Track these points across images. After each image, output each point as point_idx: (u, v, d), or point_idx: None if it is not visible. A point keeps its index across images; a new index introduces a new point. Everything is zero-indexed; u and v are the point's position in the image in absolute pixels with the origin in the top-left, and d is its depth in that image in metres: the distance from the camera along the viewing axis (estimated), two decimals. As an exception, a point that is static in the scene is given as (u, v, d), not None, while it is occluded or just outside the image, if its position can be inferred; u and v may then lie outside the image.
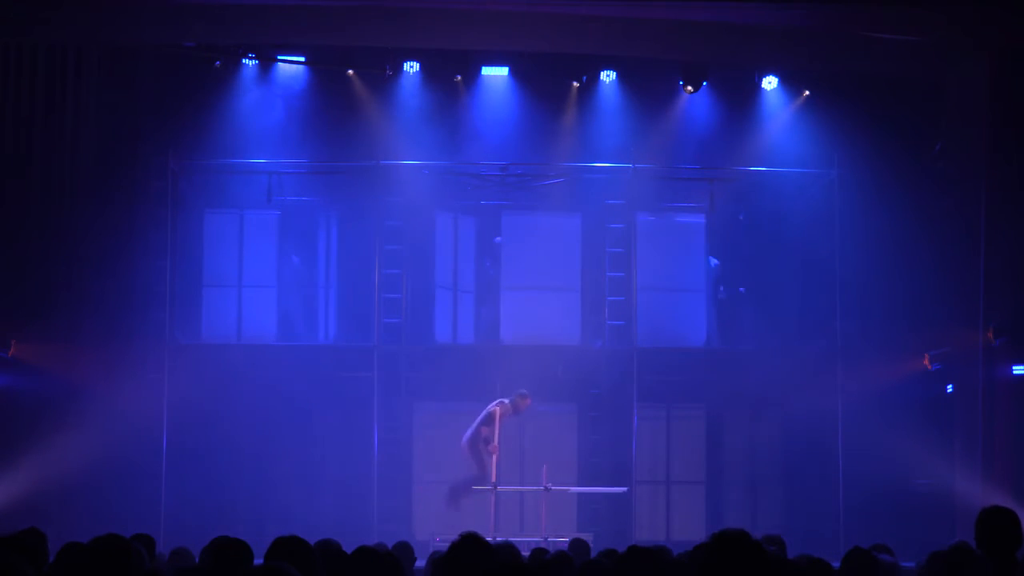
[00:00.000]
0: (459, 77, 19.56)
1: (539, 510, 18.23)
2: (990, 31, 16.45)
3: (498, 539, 10.10)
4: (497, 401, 18.23)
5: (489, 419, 18.07)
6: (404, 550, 9.26)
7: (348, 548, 6.72)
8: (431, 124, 19.53)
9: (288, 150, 19.45)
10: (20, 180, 17.89)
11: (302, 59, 19.53)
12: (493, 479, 17.87)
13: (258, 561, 5.41)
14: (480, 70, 19.64)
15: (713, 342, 20.30)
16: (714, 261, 20.33)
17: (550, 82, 19.73)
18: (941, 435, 18.05)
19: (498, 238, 20.22)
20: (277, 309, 19.96)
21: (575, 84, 19.82)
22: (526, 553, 9.17)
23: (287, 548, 5.84)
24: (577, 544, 9.84)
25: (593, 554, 9.55)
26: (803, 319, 20.01)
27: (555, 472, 18.40)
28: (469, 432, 18.17)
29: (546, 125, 19.74)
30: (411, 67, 19.45)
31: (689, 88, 19.29)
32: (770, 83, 19.80)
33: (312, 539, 6.41)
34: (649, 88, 19.75)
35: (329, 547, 7.04)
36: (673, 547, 8.68)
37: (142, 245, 18.99)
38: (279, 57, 19.47)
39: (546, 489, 17.86)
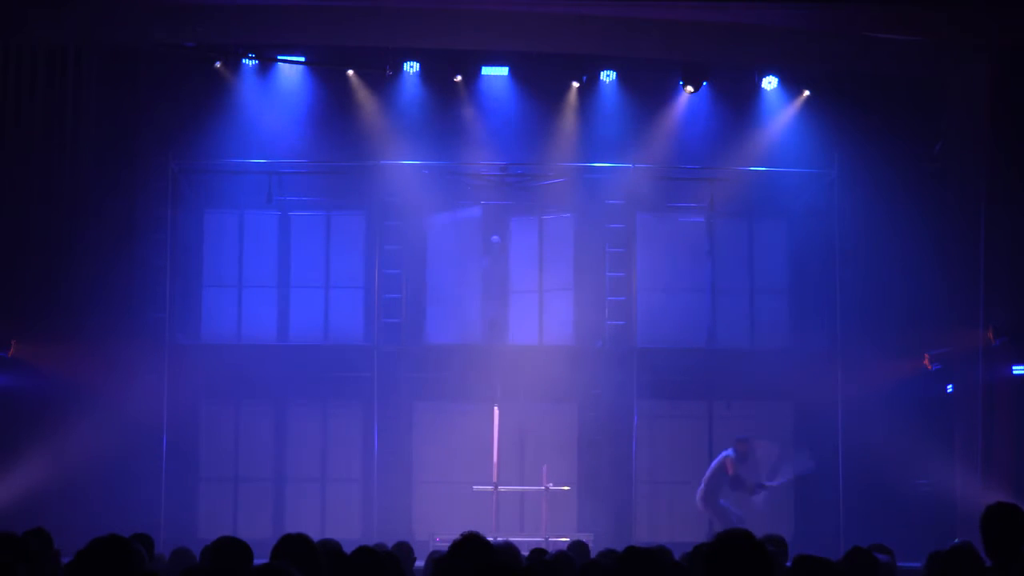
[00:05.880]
0: (459, 77, 19.55)
1: (539, 510, 18.24)
2: (990, 31, 16.46)
3: (498, 539, 10.10)
4: (723, 454, 18.18)
5: (717, 472, 18.00)
6: (404, 550, 9.26)
7: (348, 548, 6.72)
8: (431, 124, 19.53)
9: (288, 150, 19.45)
10: (20, 180, 17.89)
11: (302, 59, 19.53)
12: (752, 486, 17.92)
13: (262, 560, 5.41)
14: (480, 70, 19.63)
15: (715, 342, 20.30)
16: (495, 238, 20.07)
17: (550, 82, 19.73)
18: (941, 435, 18.05)
19: (495, 237, 20.17)
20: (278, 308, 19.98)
21: (575, 84, 19.82)
22: (526, 553, 9.17)
23: (293, 546, 5.84)
24: (577, 546, 9.83)
25: (593, 554, 9.55)
26: (803, 319, 20.03)
27: (555, 472, 18.41)
28: (701, 489, 18.05)
29: (546, 125, 19.74)
30: (411, 67, 19.46)
31: (689, 88, 19.29)
32: (770, 83, 19.80)
33: (312, 539, 6.40)
34: (649, 88, 19.74)
35: (329, 547, 7.05)
36: (673, 548, 8.68)
37: (142, 245, 19.00)
38: (279, 57, 19.47)
39: (546, 489, 17.90)
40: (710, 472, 18.03)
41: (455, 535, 5.74)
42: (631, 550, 6.17)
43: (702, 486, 17.98)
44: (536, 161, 19.82)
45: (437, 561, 6.74)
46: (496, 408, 18.44)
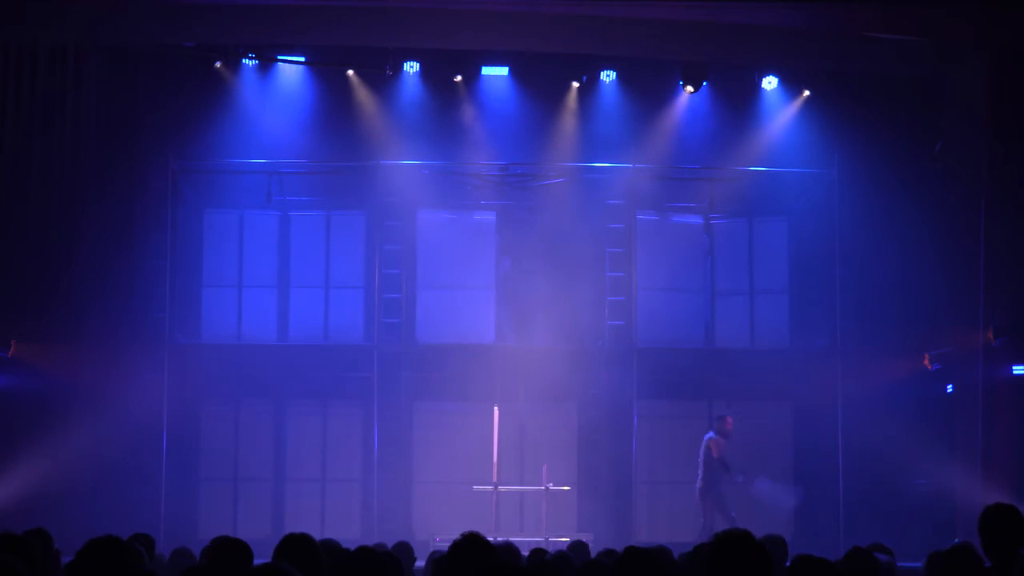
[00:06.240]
0: (459, 77, 19.56)
1: (539, 510, 18.24)
2: (990, 31, 16.45)
3: (498, 539, 10.11)
4: (705, 438, 18.06)
5: (707, 458, 17.86)
6: (404, 550, 9.26)
7: (348, 548, 6.72)
8: (431, 124, 19.52)
9: (288, 150, 19.45)
10: (20, 180, 17.89)
11: (302, 59, 19.53)
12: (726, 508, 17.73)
13: (262, 560, 5.41)
14: (480, 70, 19.63)
15: (714, 342, 20.30)
16: None
17: (550, 82, 19.72)
18: (941, 435, 18.05)
19: (495, 237, 20.17)
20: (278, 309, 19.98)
21: (575, 84, 19.82)
22: (526, 553, 9.17)
23: (296, 545, 5.84)
24: (576, 546, 9.84)
25: (593, 554, 9.55)
26: (803, 319, 20.03)
27: (555, 472, 18.40)
28: (699, 477, 17.88)
29: (546, 125, 19.73)
30: (411, 67, 19.46)
31: (689, 88, 19.29)
32: (770, 83, 19.80)
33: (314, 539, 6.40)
34: (649, 88, 19.74)
35: (330, 547, 7.05)
36: (673, 548, 8.68)
37: (142, 245, 19.01)
38: (279, 57, 19.47)
39: (546, 489, 17.89)
40: (701, 460, 17.98)
41: (455, 535, 5.73)
42: (631, 550, 6.17)
43: (700, 476, 17.92)
44: (536, 161, 19.82)
45: (437, 561, 6.74)
46: (496, 408, 18.43)
